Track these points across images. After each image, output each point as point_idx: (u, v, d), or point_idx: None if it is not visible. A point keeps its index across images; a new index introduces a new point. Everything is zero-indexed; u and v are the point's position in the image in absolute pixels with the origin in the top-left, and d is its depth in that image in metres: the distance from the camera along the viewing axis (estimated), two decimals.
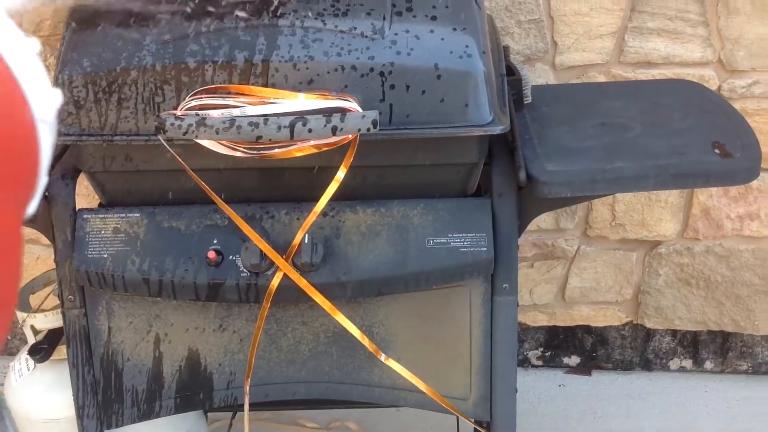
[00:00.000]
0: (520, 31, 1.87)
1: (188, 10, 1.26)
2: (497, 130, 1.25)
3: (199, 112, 1.20)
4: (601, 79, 1.89)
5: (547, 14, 1.85)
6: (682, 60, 1.87)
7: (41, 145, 0.57)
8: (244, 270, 1.29)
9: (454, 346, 1.39)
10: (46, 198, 1.34)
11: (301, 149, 1.22)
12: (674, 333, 2.13)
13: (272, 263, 1.28)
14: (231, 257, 1.30)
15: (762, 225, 1.98)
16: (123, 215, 1.33)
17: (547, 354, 2.19)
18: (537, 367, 2.20)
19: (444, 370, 1.40)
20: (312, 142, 1.21)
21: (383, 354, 1.35)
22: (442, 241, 1.31)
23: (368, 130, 1.19)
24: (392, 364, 1.35)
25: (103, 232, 1.32)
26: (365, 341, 1.32)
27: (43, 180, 0.58)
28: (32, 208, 0.58)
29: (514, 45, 1.87)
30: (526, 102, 1.50)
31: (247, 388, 1.34)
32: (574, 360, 2.18)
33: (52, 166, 1.36)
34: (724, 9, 1.82)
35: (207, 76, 1.23)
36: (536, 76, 1.88)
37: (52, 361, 1.50)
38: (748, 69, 1.87)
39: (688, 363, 2.16)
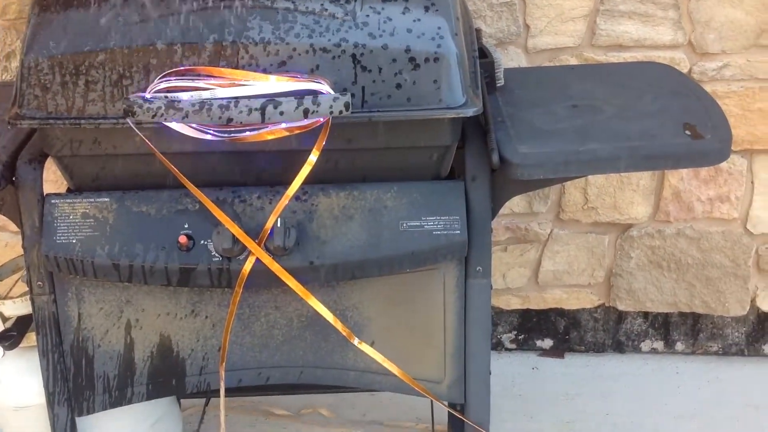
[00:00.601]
0: (492, 14, 1.86)
1: None
2: (470, 112, 1.25)
3: (168, 94, 1.19)
4: (573, 62, 1.89)
5: None
6: (653, 43, 1.87)
7: None
8: (216, 254, 1.28)
9: (428, 330, 1.39)
10: (14, 183, 1.32)
11: (273, 132, 1.21)
12: (646, 315, 2.15)
13: (244, 247, 1.27)
14: (202, 242, 1.29)
15: (732, 207, 2.00)
16: (92, 200, 1.31)
17: (520, 337, 2.19)
18: (510, 350, 2.21)
19: (418, 353, 1.40)
20: (283, 125, 1.20)
21: (356, 338, 1.34)
22: (415, 224, 1.31)
23: (340, 112, 1.18)
24: (365, 348, 1.35)
25: (71, 217, 1.30)
26: (338, 325, 1.32)
27: None
28: None
29: (487, 28, 1.86)
30: (498, 85, 1.50)
31: (222, 372, 1.33)
32: (547, 343, 2.20)
33: (19, 151, 1.34)
34: None
35: (176, 58, 1.22)
36: (509, 59, 1.88)
37: (22, 348, 1.48)
38: (719, 52, 1.88)
39: (659, 345, 2.18)
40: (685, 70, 1.87)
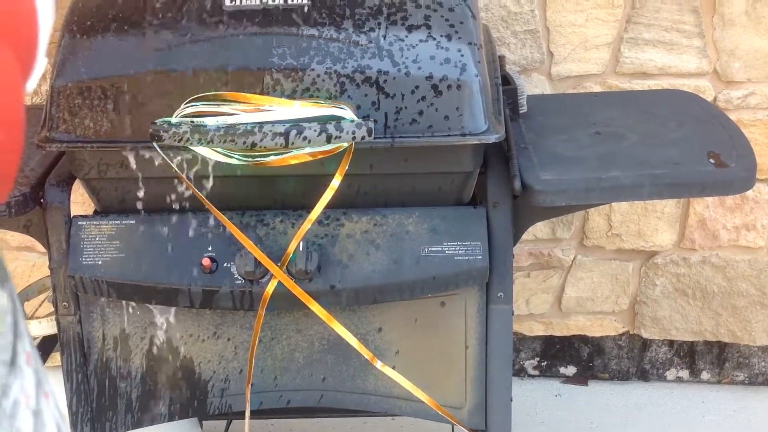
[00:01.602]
0: (516, 41, 1.87)
1: (184, 18, 1.26)
2: (492, 138, 1.26)
3: (194, 119, 1.20)
4: (597, 89, 1.89)
5: (543, 25, 1.86)
6: (678, 71, 1.87)
7: (40, 20, 0.61)
8: (239, 277, 1.29)
9: (449, 355, 1.38)
10: (41, 205, 1.34)
11: (296, 157, 1.22)
12: (671, 343, 2.13)
13: (267, 271, 1.28)
14: (225, 264, 1.30)
15: (758, 236, 1.98)
16: (118, 222, 1.33)
17: (543, 364, 2.18)
18: (533, 376, 2.19)
19: (439, 378, 1.39)
20: (307, 150, 1.21)
21: (379, 361, 1.34)
22: (437, 249, 1.31)
23: (363, 138, 1.19)
24: (388, 371, 1.35)
25: (98, 238, 1.32)
26: (362, 349, 1.32)
27: (42, 60, 0.62)
28: (32, 83, 0.62)
29: (510, 55, 1.87)
30: (521, 111, 1.50)
31: (248, 394, 1.34)
32: (570, 370, 2.18)
33: (47, 173, 1.37)
34: (720, 20, 1.83)
35: (202, 84, 1.24)
36: (532, 86, 1.88)
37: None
38: (744, 80, 1.87)
39: (684, 373, 2.15)
40: (710, 98, 1.86)
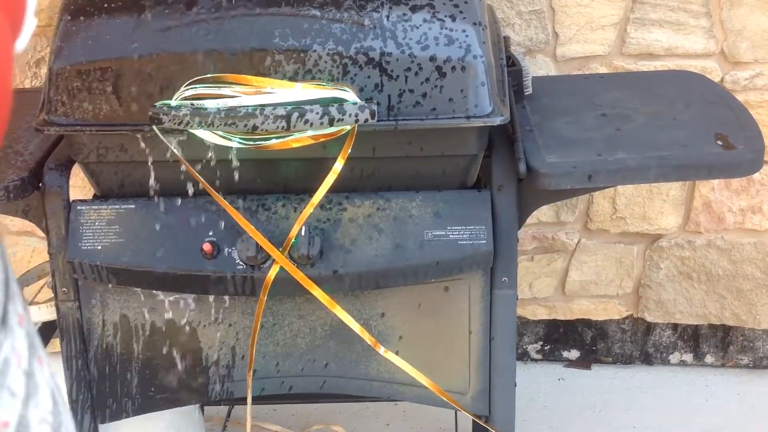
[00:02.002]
0: (521, 22, 1.84)
1: (182, 1, 1.24)
2: (497, 121, 1.24)
3: (194, 102, 1.18)
4: (603, 70, 1.86)
5: (549, 5, 1.83)
6: (685, 51, 1.84)
7: None
8: (240, 263, 1.28)
9: (453, 340, 1.37)
10: (40, 189, 1.32)
11: (298, 140, 1.20)
12: (675, 327, 2.12)
13: (269, 256, 1.26)
14: (227, 250, 1.28)
15: (764, 218, 1.96)
16: (117, 207, 1.31)
17: (546, 348, 2.17)
18: (536, 360, 2.18)
19: (442, 363, 1.38)
20: (309, 133, 1.19)
21: (382, 347, 1.33)
22: (440, 233, 1.29)
23: (366, 121, 1.17)
24: (391, 357, 1.33)
25: (97, 223, 1.30)
26: (365, 335, 1.31)
27: (31, 19, 0.62)
28: (22, 42, 0.61)
29: (515, 36, 1.85)
30: (526, 93, 1.48)
31: (250, 380, 1.33)
32: (573, 354, 2.17)
33: (46, 157, 1.35)
34: (727, 0, 1.80)
35: (202, 66, 1.21)
36: (537, 67, 1.86)
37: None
38: (751, 61, 1.85)
39: (688, 357, 2.14)
40: (717, 79, 1.84)
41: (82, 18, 1.26)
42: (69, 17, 1.26)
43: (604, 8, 1.83)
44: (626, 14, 1.83)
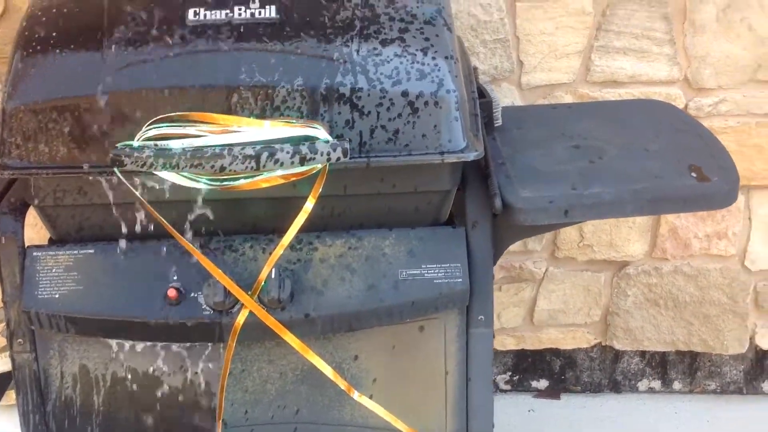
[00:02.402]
0: (485, 50, 1.83)
1: (145, 34, 1.19)
2: (471, 156, 1.21)
3: (158, 142, 1.13)
4: (568, 98, 1.85)
5: (513, 34, 1.82)
6: (649, 78, 1.84)
7: None
8: (207, 308, 1.22)
9: (429, 381, 1.33)
10: None
11: (268, 180, 1.15)
12: (642, 354, 2.11)
13: (237, 300, 1.21)
14: (192, 294, 1.23)
15: (730, 244, 1.96)
16: (76, 252, 1.25)
17: (515, 378, 2.14)
18: (505, 391, 2.15)
19: (418, 406, 1.34)
20: (279, 172, 1.15)
21: (356, 391, 1.28)
22: (415, 272, 1.25)
23: (338, 159, 1.13)
24: (365, 401, 1.29)
25: (54, 270, 1.24)
26: (338, 380, 1.26)
27: None
28: None
29: (480, 65, 1.83)
30: (496, 125, 1.45)
31: (219, 430, 1.27)
32: (542, 383, 2.14)
33: None
34: (690, 27, 1.80)
35: (165, 104, 1.16)
36: (503, 96, 1.84)
37: (2, 406, 1.40)
38: (715, 87, 1.85)
39: (656, 384, 2.13)
40: (681, 106, 1.84)
41: (37, 54, 1.20)
42: (23, 53, 1.20)
43: (569, 36, 1.82)
44: (590, 42, 1.83)
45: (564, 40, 1.82)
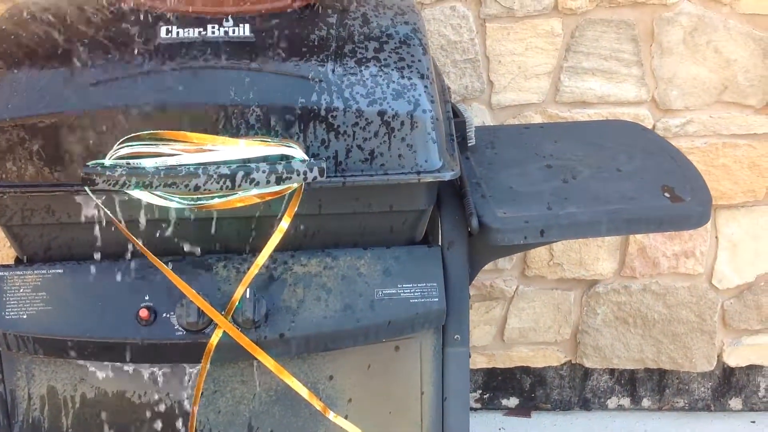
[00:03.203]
0: (456, 70, 1.83)
1: (116, 51, 1.17)
2: (448, 176, 1.21)
3: (131, 161, 1.11)
4: (538, 118, 1.87)
5: (483, 53, 1.83)
6: (617, 99, 1.86)
7: None
8: (180, 328, 1.20)
9: (404, 401, 1.32)
10: None
11: (243, 199, 1.14)
12: (612, 372, 2.12)
13: (210, 320, 1.19)
14: (165, 315, 1.21)
15: (697, 263, 1.99)
16: (44, 272, 1.22)
17: (485, 396, 2.14)
18: (475, 410, 2.15)
19: (393, 426, 1.33)
20: (254, 192, 1.14)
21: (331, 412, 1.27)
22: (391, 291, 1.25)
23: (315, 179, 1.12)
24: (341, 421, 1.27)
25: (22, 290, 1.21)
26: (313, 400, 1.24)
27: None
28: None
29: (451, 84, 1.83)
30: (470, 144, 1.46)
31: None
32: (512, 401, 2.14)
33: None
34: (658, 49, 1.83)
35: (137, 122, 1.14)
36: (473, 115, 1.84)
37: None
38: (682, 108, 1.88)
39: (626, 401, 2.14)
40: (649, 126, 1.86)
41: (4, 71, 1.18)
42: None
43: (538, 57, 1.84)
44: (559, 63, 1.85)
45: (533, 60, 1.83)
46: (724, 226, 1.97)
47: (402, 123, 1.18)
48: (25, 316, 1.20)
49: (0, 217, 1.20)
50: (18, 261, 1.27)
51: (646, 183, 1.33)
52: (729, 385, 2.12)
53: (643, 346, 2.06)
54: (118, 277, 1.22)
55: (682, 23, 1.81)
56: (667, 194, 1.30)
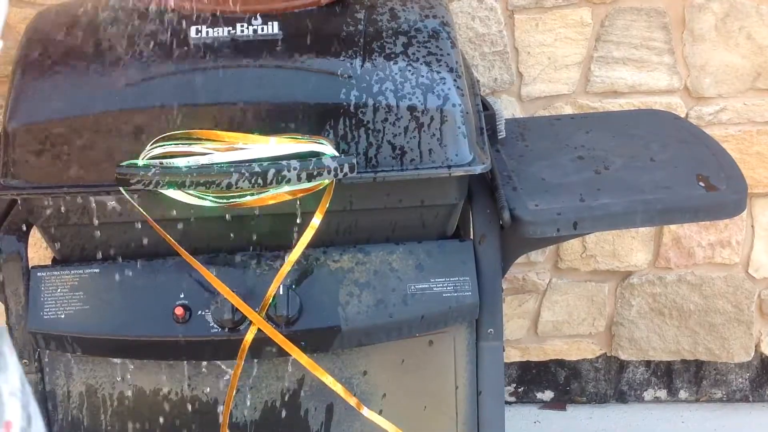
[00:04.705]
0: (484, 63, 1.82)
1: (148, 52, 1.18)
2: (478, 169, 1.20)
3: (163, 160, 1.12)
4: (568, 109, 1.85)
5: (512, 45, 1.82)
6: (649, 88, 1.84)
7: None
8: (215, 326, 1.21)
9: (439, 396, 1.32)
10: None
11: (275, 197, 1.15)
12: (648, 363, 2.10)
13: (245, 318, 1.20)
14: (200, 312, 1.22)
15: (733, 252, 1.96)
16: (80, 271, 1.24)
17: (520, 390, 2.13)
18: (510, 403, 2.14)
19: (428, 421, 1.33)
20: (286, 189, 1.14)
21: (365, 408, 1.27)
22: (424, 286, 1.25)
23: (346, 175, 1.13)
24: (375, 417, 1.27)
25: (59, 290, 1.23)
26: (347, 396, 1.25)
27: None
28: None
29: (479, 77, 1.82)
30: (500, 137, 1.45)
31: None
32: (547, 395, 2.13)
33: (1, 221, 1.27)
34: (689, 36, 1.80)
35: (169, 122, 1.15)
36: (502, 108, 1.83)
37: None
38: (715, 96, 1.85)
39: (662, 393, 2.12)
40: (682, 115, 1.84)
41: (38, 73, 1.19)
42: (24, 73, 1.20)
43: (568, 47, 1.82)
44: (590, 53, 1.83)
45: (563, 51, 1.82)
46: (760, 215, 1.94)
47: (432, 117, 1.18)
48: (63, 316, 1.21)
49: (36, 219, 1.22)
50: (55, 261, 1.28)
51: (681, 172, 1.32)
52: (767, 375, 2.09)
53: (679, 338, 2.04)
54: (153, 276, 1.23)
55: (714, 10, 1.79)
56: (702, 183, 1.28)
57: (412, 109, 1.18)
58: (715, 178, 1.29)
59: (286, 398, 1.30)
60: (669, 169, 1.33)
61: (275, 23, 1.22)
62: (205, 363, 1.26)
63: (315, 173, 1.11)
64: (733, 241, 1.95)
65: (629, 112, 1.72)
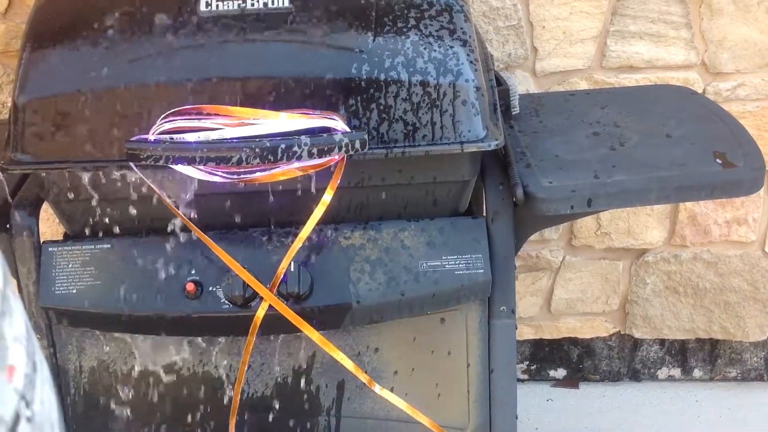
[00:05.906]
0: (498, 37, 1.80)
1: (157, 26, 1.17)
2: (492, 145, 1.19)
3: (174, 136, 1.11)
4: (584, 84, 1.83)
5: (526, 19, 1.79)
6: (666, 63, 1.82)
7: None
8: (226, 302, 1.21)
9: (451, 373, 1.31)
10: (7, 231, 1.24)
11: (285, 173, 1.14)
12: (662, 342, 2.08)
13: (256, 294, 1.19)
14: (211, 288, 1.21)
15: (750, 230, 1.94)
16: (92, 247, 1.23)
17: (533, 367, 2.12)
18: (523, 381, 2.13)
19: (440, 398, 1.32)
20: (297, 165, 1.13)
21: (377, 385, 1.27)
22: (436, 263, 1.24)
23: (357, 150, 1.11)
24: (386, 394, 1.27)
25: (70, 265, 1.22)
26: (358, 373, 1.24)
27: None
28: None
29: (493, 52, 1.80)
30: (513, 113, 1.43)
31: (233, 426, 1.26)
32: (560, 373, 2.13)
33: (12, 196, 1.27)
34: (707, 10, 1.77)
35: (180, 96, 1.14)
36: (517, 83, 1.81)
37: None
38: (733, 71, 1.82)
39: (676, 372, 2.11)
40: (699, 91, 1.81)
41: (47, 47, 1.18)
42: (33, 47, 1.19)
43: (583, 21, 1.79)
44: (606, 27, 1.80)
45: (578, 25, 1.79)
46: None
47: (444, 93, 1.17)
48: (74, 291, 1.21)
49: (47, 194, 1.21)
50: (66, 237, 1.28)
51: (697, 149, 1.30)
52: None
53: (693, 316, 2.02)
54: (165, 252, 1.22)
55: None
56: (718, 160, 1.26)
57: (424, 84, 1.16)
58: (732, 154, 1.27)
59: (298, 375, 1.30)
60: (685, 146, 1.31)
61: None
62: (216, 339, 1.26)
63: (326, 149, 1.10)
64: (749, 218, 1.93)
65: (645, 88, 1.70)
